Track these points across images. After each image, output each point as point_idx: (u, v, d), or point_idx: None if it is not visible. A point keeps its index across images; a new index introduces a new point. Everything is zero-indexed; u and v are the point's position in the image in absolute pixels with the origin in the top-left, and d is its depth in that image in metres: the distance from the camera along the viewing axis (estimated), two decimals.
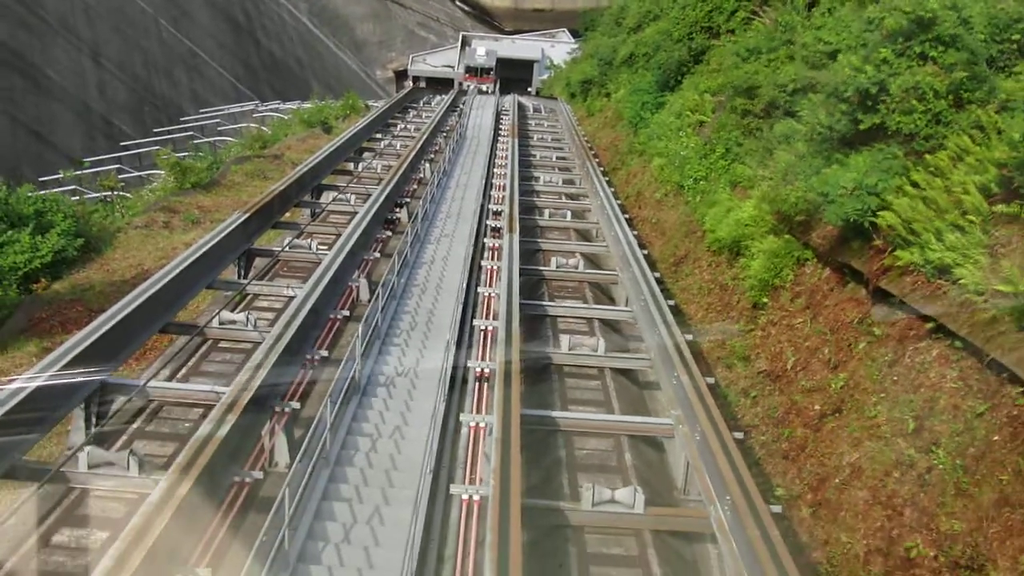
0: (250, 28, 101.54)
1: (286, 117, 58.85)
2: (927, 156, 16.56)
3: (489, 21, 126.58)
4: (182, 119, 70.64)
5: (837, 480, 14.45)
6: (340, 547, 11.18)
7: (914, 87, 16.92)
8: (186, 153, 42.73)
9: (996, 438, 12.29)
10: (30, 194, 27.49)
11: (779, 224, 20.58)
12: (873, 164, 17.03)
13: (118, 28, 79.01)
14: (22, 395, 11.58)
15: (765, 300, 20.32)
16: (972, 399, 13.07)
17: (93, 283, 24.66)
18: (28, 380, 12.06)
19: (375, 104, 59.77)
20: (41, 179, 41.60)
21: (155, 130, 66.23)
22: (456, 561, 10.64)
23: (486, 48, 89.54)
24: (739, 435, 13.33)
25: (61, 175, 41.33)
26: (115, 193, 37.94)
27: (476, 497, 11.26)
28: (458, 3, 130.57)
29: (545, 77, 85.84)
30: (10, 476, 11.24)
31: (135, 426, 14.22)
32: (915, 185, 16.16)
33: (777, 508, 11.68)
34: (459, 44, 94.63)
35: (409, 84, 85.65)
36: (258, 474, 11.82)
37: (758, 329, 20.14)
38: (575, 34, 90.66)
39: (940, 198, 15.44)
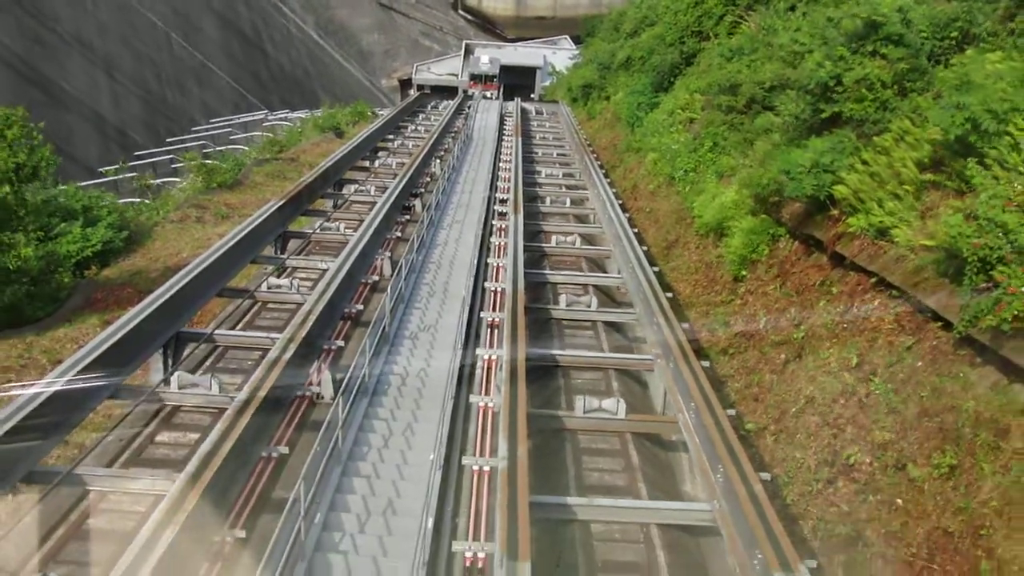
0: (258, 41, 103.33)
1: (296, 126, 61.01)
2: (875, 138, 19.19)
3: (492, 29, 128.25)
4: (194, 129, 72.24)
5: (794, 410, 17.04)
6: (381, 451, 13.92)
7: (864, 78, 19.59)
8: (209, 161, 45.13)
9: (919, 364, 14.91)
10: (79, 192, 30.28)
11: (756, 205, 23.06)
12: (829, 146, 19.69)
13: (130, 42, 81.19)
14: (111, 341, 14.24)
15: (744, 273, 22.79)
16: (903, 336, 15.69)
17: (139, 269, 27.38)
18: (117, 329, 14.71)
19: (381, 112, 61.86)
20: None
21: (168, 140, 68.01)
22: (475, 449, 13.27)
23: (489, 56, 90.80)
24: (706, 363, 15.95)
25: (103, 172, 43.97)
26: (150, 192, 40.62)
27: (491, 405, 13.93)
28: (461, 12, 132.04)
29: (548, 83, 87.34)
30: (114, 397, 14.00)
31: (206, 365, 17.01)
32: (864, 163, 18.78)
33: (731, 411, 14.30)
34: (462, 52, 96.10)
35: (413, 93, 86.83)
36: (316, 388, 14.63)
37: (737, 298, 22.64)
38: (577, 40, 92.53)
39: (883, 172, 18.09)
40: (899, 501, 13.54)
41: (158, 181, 46.71)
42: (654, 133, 37.89)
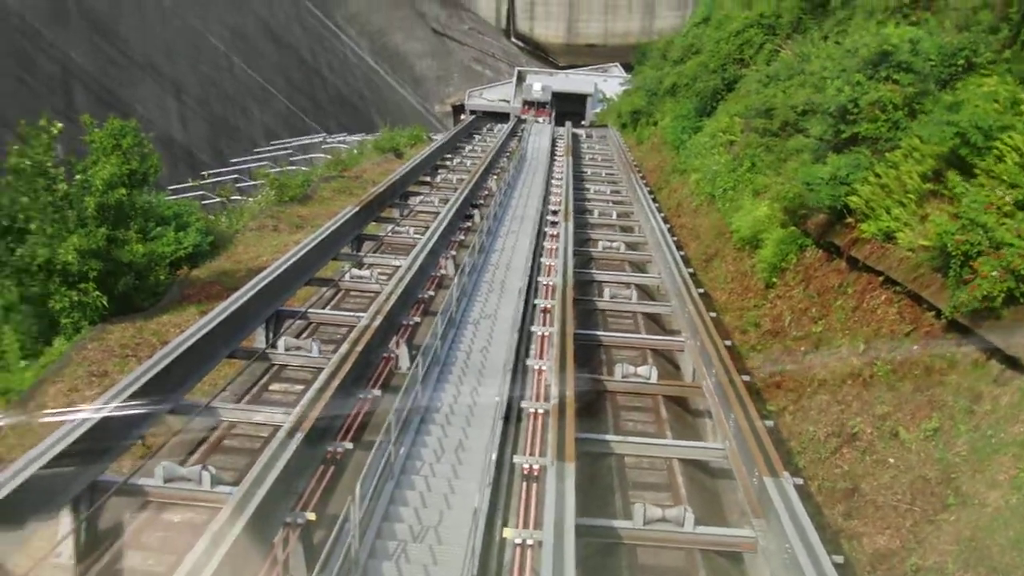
0: (316, 65, 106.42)
1: (354, 148, 63.69)
2: (887, 154, 21.64)
3: (543, 56, 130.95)
4: (255, 150, 74.82)
5: (809, 391, 19.48)
6: (452, 405, 16.72)
7: (878, 101, 22.10)
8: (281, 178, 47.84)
9: (915, 347, 17.34)
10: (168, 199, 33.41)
11: (786, 218, 25.45)
12: (847, 162, 22.17)
13: (196, 66, 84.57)
14: (227, 313, 17.04)
15: (774, 280, 25.15)
16: (904, 325, 18.12)
17: (225, 270, 30.28)
18: (230, 304, 17.52)
19: (436, 136, 64.33)
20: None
21: (231, 160, 70.60)
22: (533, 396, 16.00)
23: (542, 83, 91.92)
24: (728, 343, 18.48)
25: (190, 182, 47.32)
26: (226, 205, 43.71)
27: (544, 369, 16.68)
28: (513, 39, 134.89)
29: (598, 110, 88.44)
30: (233, 356, 16.90)
31: (303, 335, 19.86)
32: (877, 175, 21.24)
33: (746, 377, 16.83)
34: (514, 79, 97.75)
35: (465, 118, 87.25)
36: (397, 350, 17.46)
37: (767, 302, 25.02)
38: (627, 68, 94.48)
39: (892, 184, 20.54)
40: (891, 459, 15.96)
41: (226, 199, 49.71)
42: (697, 155, 40.41)
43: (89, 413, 12.17)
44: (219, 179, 59.77)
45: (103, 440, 12.21)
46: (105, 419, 12.08)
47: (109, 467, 12.64)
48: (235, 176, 58.11)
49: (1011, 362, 14.82)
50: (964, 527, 13.17)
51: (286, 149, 71.25)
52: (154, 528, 12.42)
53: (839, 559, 10.55)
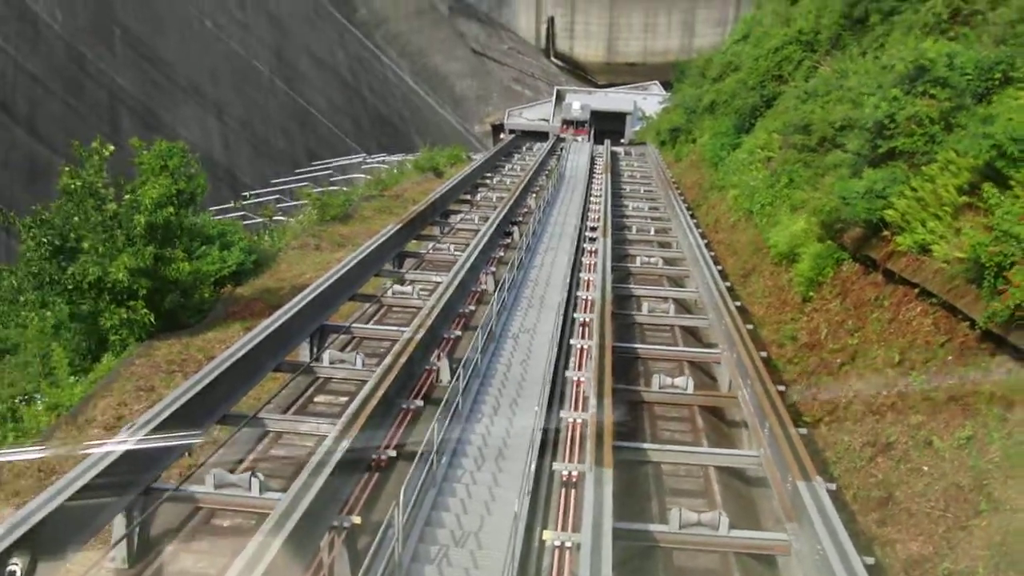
0: (357, 87, 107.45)
1: (394, 168, 64.29)
2: (923, 168, 21.81)
3: (582, 75, 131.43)
4: (296, 171, 75.64)
5: (844, 402, 19.67)
6: (492, 416, 17.10)
7: (914, 116, 22.29)
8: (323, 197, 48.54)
9: (950, 358, 17.51)
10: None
11: (822, 232, 25.66)
12: (883, 176, 22.36)
13: (240, 89, 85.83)
14: (274, 327, 17.56)
15: (811, 294, 25.34)
16: (939, 335, 18.28)
17: (269, 287, 30.86)
18: (275, 320, 18.04)
19: (475, 156, 64.68)
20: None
21: (272, 181, 71.41)
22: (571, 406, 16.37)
23: (581, 102, 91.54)
24: (764, 354, 18.73)
25: (233, 203, 48.15)
26: (267, 225, 44.46)
27: (583, 380, 17.02)
28: (552, 59, 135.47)
29: (638, 128, 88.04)
30: (279, 370, 17.42)
31: (347, 349, 20.38)
32: (913, 189, 21.41)
33: (781, 388, 17.06)
34: (554, 98, 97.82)
35: (504, 137, 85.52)
36: (438, 363, 17.90)
37: (804, 316, 25.21)
38: (667, 86, 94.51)
39: (928, 197, 20.71)
40: (925, 467, 16.13)
41: (269, 218, 50.44)
42: (735, 171, 40.61)
43: (130, 438, 12.65)
44: (261, 199, 60.68)
45: (153, 452, 12.72)
46: (155, 430, 12.59)
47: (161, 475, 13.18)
48: (277, 196, 58.92)
49: None
50: (995, 532, 13.35)
51: (326, 169, 72.04)
52: (205, 533, 12.93)
53: (870, 560, 10.81)
